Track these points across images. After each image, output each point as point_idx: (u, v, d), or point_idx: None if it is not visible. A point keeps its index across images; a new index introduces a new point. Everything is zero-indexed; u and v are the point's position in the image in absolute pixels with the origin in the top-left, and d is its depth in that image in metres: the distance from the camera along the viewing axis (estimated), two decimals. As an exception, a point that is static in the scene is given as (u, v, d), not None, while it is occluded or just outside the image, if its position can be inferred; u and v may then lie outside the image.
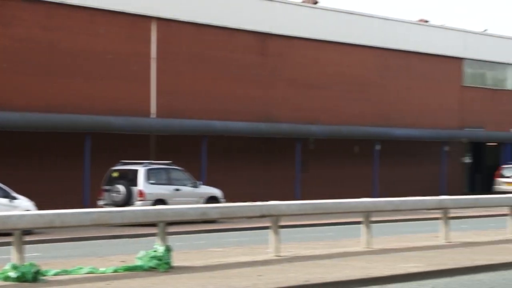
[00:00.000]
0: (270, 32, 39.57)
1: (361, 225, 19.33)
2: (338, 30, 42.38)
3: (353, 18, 43.33)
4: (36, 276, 13.91)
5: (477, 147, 50.43)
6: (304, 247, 19.36)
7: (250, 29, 38.83)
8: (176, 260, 15.75)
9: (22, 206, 24.60)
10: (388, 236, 22.93)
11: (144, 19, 35.22)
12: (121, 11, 34.43)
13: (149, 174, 29.57)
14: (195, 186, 30.72)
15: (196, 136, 35.79)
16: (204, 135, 35.85)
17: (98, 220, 15.11)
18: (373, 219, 19.89)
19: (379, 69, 44.24)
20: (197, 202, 28.59)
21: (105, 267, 15.10)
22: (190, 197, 29.77)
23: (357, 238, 19.76)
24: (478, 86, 49.90)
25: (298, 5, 41.75)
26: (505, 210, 23.49)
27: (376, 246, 19.05)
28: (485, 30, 52.21)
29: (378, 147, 42.51)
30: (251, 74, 38.92)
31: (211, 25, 37.43)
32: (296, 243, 20.78)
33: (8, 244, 15.56)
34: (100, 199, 29.52)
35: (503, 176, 44.24)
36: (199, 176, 33.81)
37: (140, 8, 35.04)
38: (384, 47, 44.38)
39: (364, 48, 43.51)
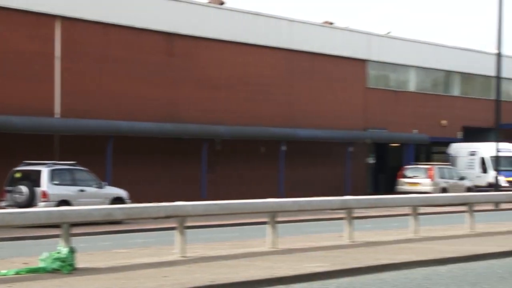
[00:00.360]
0: (176, 32, 39.46)
1: (266, 226, 19.41)
2: (245, 31, 42.54)
3: (259, 19, 43.56)
4: None
5: (380, 148, 51.28)
6: (210, 248, 19.35)
7: (156, 29, 38.66)
8: (80, 261, 15.56)
9: None
10: (294, 236, 23.10)
11: (48, 18, 34.69)
12: (24, 9, 33.83)
13: (53, 175, 29.14)
14: (100, 187, 30.41)
15: (102, 137, 35.42)
16: (110, 136, 35.50)
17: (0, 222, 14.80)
18: (279, 219, 20.00)
19: (285, 70, 44.57)
20: (102, 203, 28.28)
21: (7, 269, 14.80)
22: (95, 198, 29.43)
23: (263, 238, 19.84)
24: (382, 87, 50.75)
25: (205, 5, 41.73)
26: (407, 210, 23.93)
27: (282, 246, 19.16)
28: (388, 33, 53.12)
29: (284, 147, 42.82)
30: (158, 74, 38.74)
31: (117, 25, 37.13)
32: (203, 243, 20.75)
33: None
34: (2, 200, 28.93)
35: (405, 177, 45.10)
36: (104, 177, 33.45)
37: (44, 6, 34.50)
38: (290, 49, 44.74)
39: (271, 49, 43.78)
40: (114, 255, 17.90)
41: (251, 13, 43.48)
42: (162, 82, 38.86)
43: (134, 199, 30.25)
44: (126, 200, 30.38)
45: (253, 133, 41.67)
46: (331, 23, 49.71)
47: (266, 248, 18.96)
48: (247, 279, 14.24)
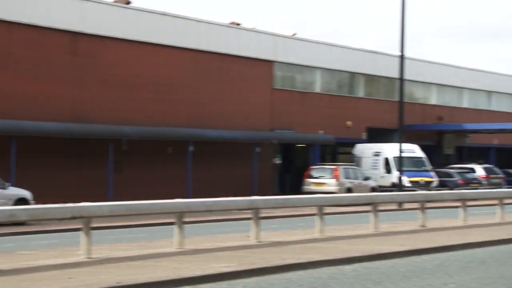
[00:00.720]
0: (82, 32, 39.00)
1: (174, 226, 19.35)
2: (152, 31, 42.32)
3: (166, 19, 43.39)
4: None
5: (287, 148, 51.67)
6: (117, 249, 19.19)
7: (61, 28, 38.13)
8: (-17, 264, 15.25)
9: None
10: (201, 236, 23.10)
11: (-51, 15, 33.89)
12: None
13: (-46, 176, 28.49)
14: (3, 188, 29.86)
15: (5, 137, 34.76)
16: (13, 135, 34.87)
17: None
18: (187, 219, 19.96)
19: (193, 71, 44.52)
20: (5, 204, 27.79)
21: None
22: (-2, 199, 28.90)
23: (171, 239, 19.78)
24: (288, 88, 51.15)
25: (110, 4, 41.35)
26: (313, 210, 24.15)
27: (189, 246, 19.13)
28: (294, 34, 53.57)
29: (191, 148, 42.76)
30: (63, 74, 38.22)
31: (20, 23, 36.49)
32: (109, 244, 20.57)
33: None
34: None
35: (311, 177, 45.55)
36: (7, 178, 32.85)
37: None
38: (198, 49, 44.70)
39: (178, 49, 43.67)
40: (18, 257, 17.60)
41: (158, 13, 43.28)
42: (67, 82, 38.35)
43: (39, 200, 29.78)
44: (30, 201, 29.90)
45: (160, 134, 41.51)
46: (238, 24, 49.87)
47: (173, 248, 18.91)
48: (154, 280, 14.18)
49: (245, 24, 51.16)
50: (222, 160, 45.80)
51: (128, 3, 43.03)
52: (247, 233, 21.95)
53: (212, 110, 45.29)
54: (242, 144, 46.39)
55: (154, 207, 19.14)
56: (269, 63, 49.49)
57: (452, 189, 46.32)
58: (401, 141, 42.36)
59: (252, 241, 20.77)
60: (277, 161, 49.47)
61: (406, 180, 46.69)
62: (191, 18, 45.34)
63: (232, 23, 49.86)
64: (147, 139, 41.07)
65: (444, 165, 57.76)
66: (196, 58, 44.61)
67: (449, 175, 53.88)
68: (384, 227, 25.11)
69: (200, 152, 43.47)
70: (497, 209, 29.38)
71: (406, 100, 47.63)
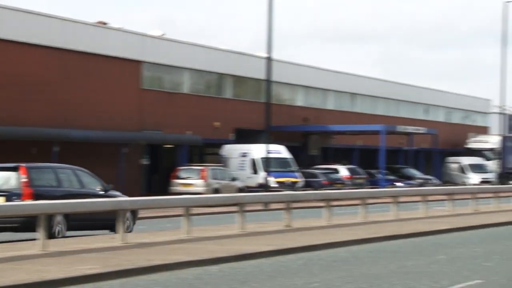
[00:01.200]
0: None
1: (37, 228, 18.99)
2: (16, 29, 41.39)
3: (31, 18, 42.53)
4: None
5: (155, 149, 51.47)
6: (-23, 252, 18.69)
7: None
8: None
9: None
10: (66, 238, 22.74)
11: None
12: None
13: None
14: None
15: None
16: None
17: None
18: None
19: (59, 70, 43.78)
20: None
21: None
22: None
23: (34, 241, 19.41)
24: (156, 89, 50.96)
25: (-27, 1, 40.27)
26: (180, 211, 24.16)
27: (53, 248, 18.82)
28: (163, 35, 53.45)
29: (56, 148, 42.03)
30: None
31: None
32: (-31, 248, 20.00)
33: None
34: None
35: (179, 178, 45.54)
36: None
37: None
38: (64, 48, 44.00)
39: (43, 48, 42.88)
40: None
41: (22, 11, 42.36)
42: None
43: None
44: None
45: (24, 134, 40.63)
46: (105, 23, 49.35)
47: (36, 251, 18.55)
48: (16, 283, 13.88)
49: (112, 23, 50.72)
50: (88, 160, 45.04)
51: (-9, 0, 42.00)
52: (112, 235, 21.76)
53: (79, 110, 44.65)
54: (109, 144, 45.92)
55: (15, 209, 18.73)
56: (137, 63, 49.18)
57: (317, 189, 47.13)
58: (268, 142, 42.85)
59: (118, 242, 20.58)
60: (145, 161, 49.22)
61: (272, 181, 47.27)
62: (57, 16, 44.59)
63: (99, 22, 49.33)
64: (10, 139, 40.12)
65: (310, 165, 58.79)
66: (62, 57, 43.88)
67: (314, 175, 54.86)
68: (251, 227, 25.33)
69: (66, 152, 42.74)
70: (360, 209, 30.08)
71: (273, 101, 48.22)
